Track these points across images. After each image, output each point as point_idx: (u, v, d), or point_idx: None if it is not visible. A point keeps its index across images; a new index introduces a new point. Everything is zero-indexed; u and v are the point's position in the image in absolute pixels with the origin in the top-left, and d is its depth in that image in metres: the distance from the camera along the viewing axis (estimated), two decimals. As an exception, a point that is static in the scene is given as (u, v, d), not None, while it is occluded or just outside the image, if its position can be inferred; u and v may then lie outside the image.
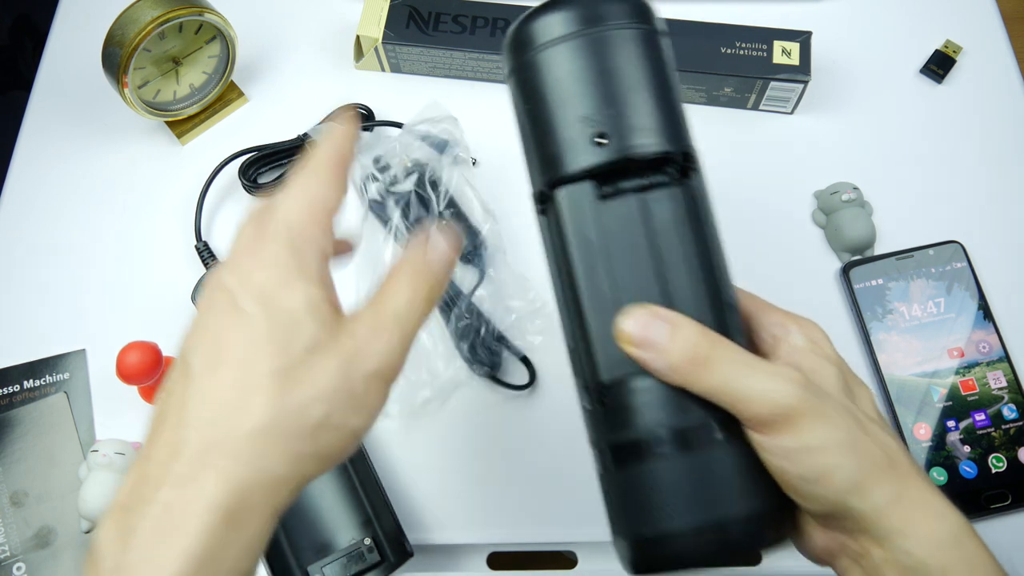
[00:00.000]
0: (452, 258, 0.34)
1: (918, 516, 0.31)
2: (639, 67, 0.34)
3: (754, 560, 0.32)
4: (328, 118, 0.64)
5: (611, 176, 0.34)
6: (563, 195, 0.34)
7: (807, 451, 0.31)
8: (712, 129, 0.65)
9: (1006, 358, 0.56)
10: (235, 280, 0.31)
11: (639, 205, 0.33)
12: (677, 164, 0.34)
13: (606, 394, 0.33)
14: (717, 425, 0.32)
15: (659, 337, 0.31)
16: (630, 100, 0.34)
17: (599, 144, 0.33)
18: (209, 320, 0.31)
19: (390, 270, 0.33)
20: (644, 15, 0.35)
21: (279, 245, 0.31)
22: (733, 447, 0.32)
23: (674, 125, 0.35)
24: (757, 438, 0.31)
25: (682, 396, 0.32)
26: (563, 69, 0.34)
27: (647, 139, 0.33)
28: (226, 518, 0.27)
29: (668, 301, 0.33)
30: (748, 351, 0.32)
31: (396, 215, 0.58)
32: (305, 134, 0.63)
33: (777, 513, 0.33)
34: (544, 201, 0.35)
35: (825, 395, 0.32)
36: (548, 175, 0.34)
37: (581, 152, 0.33)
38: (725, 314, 0.34)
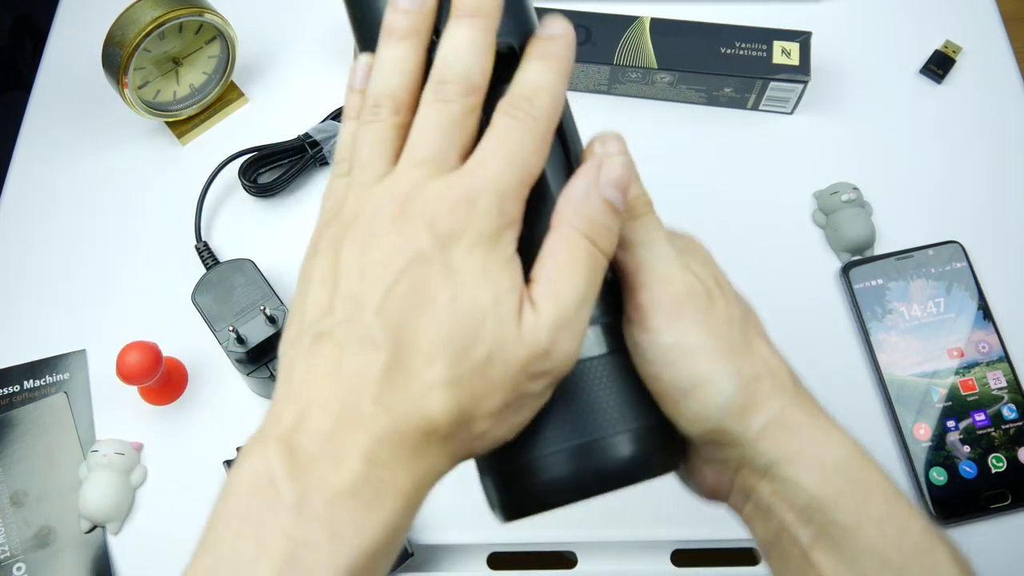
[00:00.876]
0: (607, 217, 0.28)
1: (803, 441, 0.29)
2: None
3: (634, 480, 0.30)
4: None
5: None
6: None
7: (686, 351, 0.29)
8: (712, 129, 0.65)
9: (1006, 358, 0.56)
10: (436, 246, 0.26)
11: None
12: (518, 57, 0.31)
13: None
14: (599, 332, 0.30)
15: (615, 148, 0.30)
16: None
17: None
18: (401, 284, 0.26)
19: (557, 232, 0.27)
20: None
21: (487, 221, 0.26)
22: (613, 360, 0.30)
23: (521, 21, 0.31)
24: (637, 334, 0.29)
25: None
26: None
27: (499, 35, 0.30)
28: (407, 505, 0.26)
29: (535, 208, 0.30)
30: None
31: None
32: (306, 134, 0.63)
33: (659, 435, 0.30)
34: None
35: (717, 301, 0.30)
36: None
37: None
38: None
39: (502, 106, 0.28)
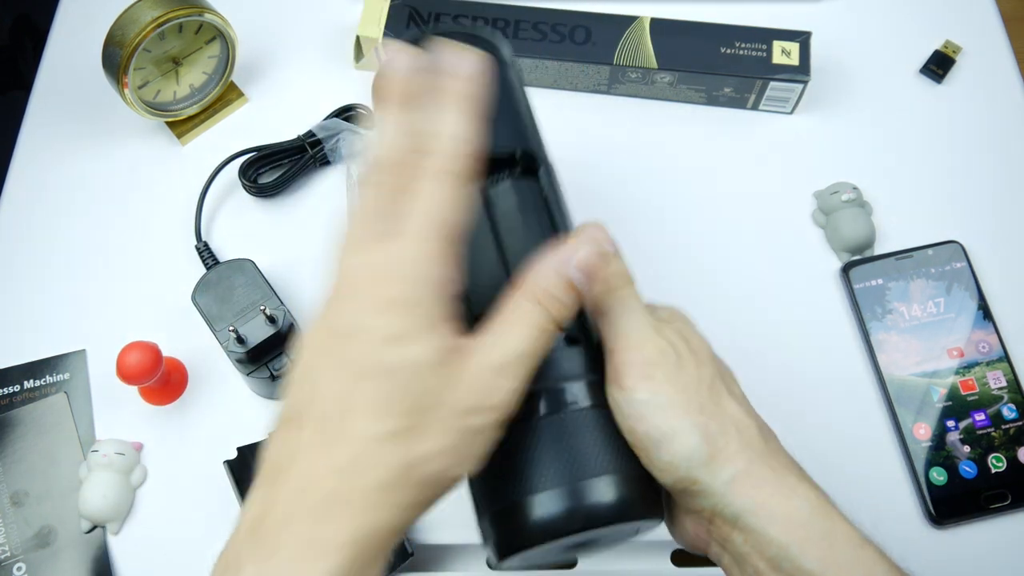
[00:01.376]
0: (567, 297, 0.31)
1: (768, 493, 0.32)
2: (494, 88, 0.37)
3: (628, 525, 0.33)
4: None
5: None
6: None
7: (656, 407, 0.32)
8: (712, 129, 0.65)
9: (1006, 358, 0.56)
10: (350, 326, 0.29)
11: (480, 197, 0.37)
12: (519, 163, 0.38)
13: None
14: (585, 391, 0.33)
15: (611, 248, 0.34)
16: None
17: None
18: (321, 374, 0.29)
19: (507, 303, 0.31)
20: (493, 53, 0.39)
21: (402, 285, 0.29)
22: (597, 415, 0.33)
23: (518, 131, 0.39)
24: (615, 393, 0.33)
25: (545, 364, 0.32)
26: None
27: (495, 141, 0.35)
28: (354, 558, 0.27)
29: (509, 278, 0.34)
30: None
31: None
32: (309, 132, 0.63)
33: (639, 484, 0.33)
34: None
35: (687, 363, 0.34)
36: None
37: None
38: None
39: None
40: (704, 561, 0.53)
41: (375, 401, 0.28)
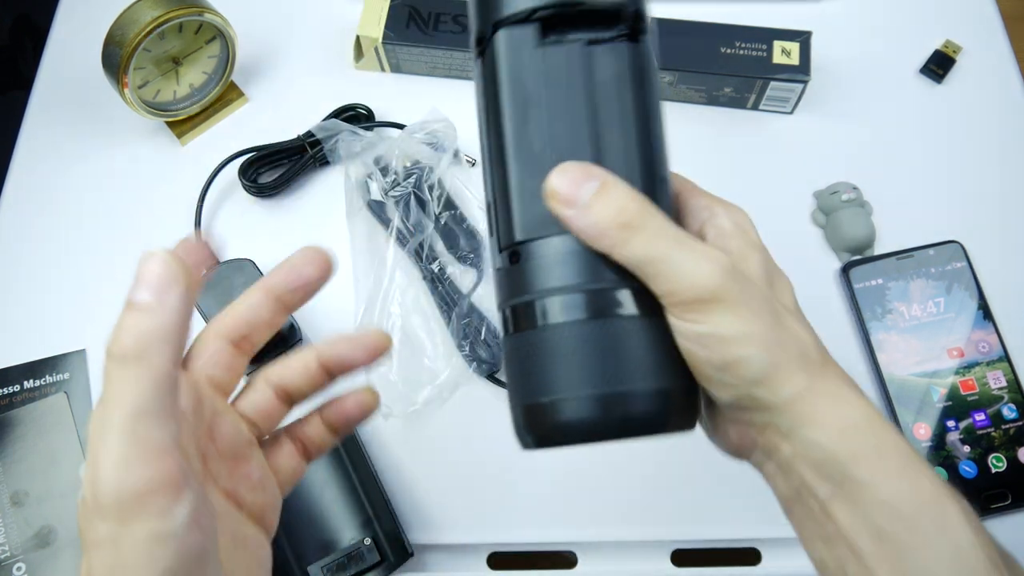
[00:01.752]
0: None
1: (825, 406, 0.31)
2: None
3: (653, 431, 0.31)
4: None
5: (557, 23, 0.32)
6: (503, 36, 0.32)
7: (720, 339, 0.30)
8: (712, 129, 0.65)
9: (1006, 358, 0.56)
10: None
11: (582, 55, 0.31)
12: (627, 22, 0.32)
13: (519, 253, 0.32)
14: (631, 295, 0.31)
15: (587, 194, 0.30)
16: None
17: None
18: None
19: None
20: None
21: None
22: (644, 321, 0.31)
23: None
24: (672, 319, 0.30)
25: (598, 261, 0.30)
26: None
27: None
28: None
29: (600, 161, 0.31)
30: (674, 224, 0.31)
31: (396, 217, 0.58)
32: (308, 132, 0.63)
33: (684, 397, 0.32)
34: (483, 44, 0.33)
35: (747, 283, 0.31)
36: (490, 15, 0.32)
37: None
38: (656, 186, 0.32)
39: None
40: (704, 561, 0.53)
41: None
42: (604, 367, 0.30)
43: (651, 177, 0.32)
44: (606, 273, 0.31)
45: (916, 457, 0.31)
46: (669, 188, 0.34)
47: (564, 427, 0.31)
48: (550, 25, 0.32)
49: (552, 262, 0.31)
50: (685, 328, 0.30)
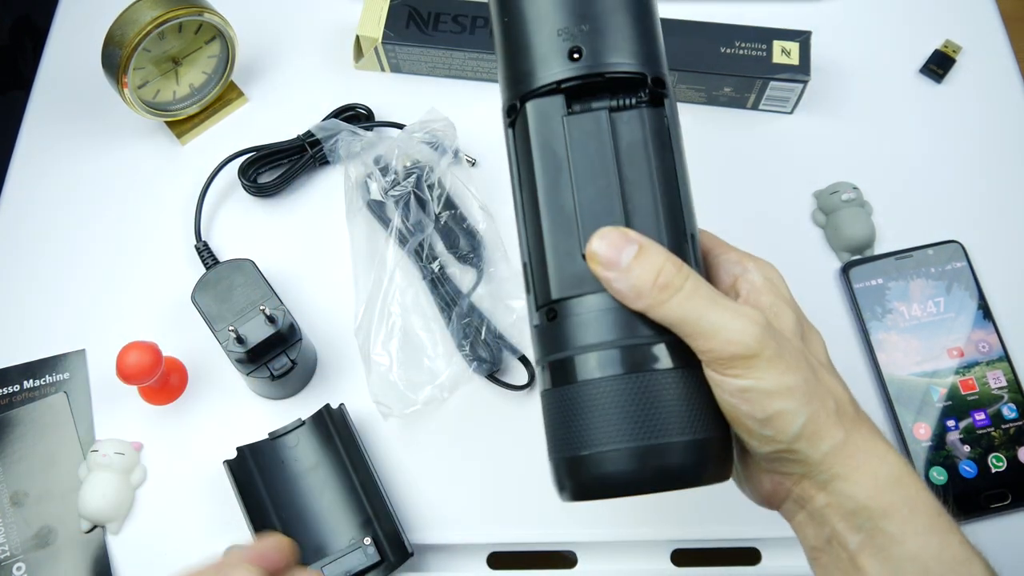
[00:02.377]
0: None
1: (860, 460, 0.32)
2: None
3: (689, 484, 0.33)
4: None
5: (582, 93, 0.34)
6: (532, 107, 0.34)
7: (763, 393, 0.31)
8: (712, 129, 0.65)
9: (1006, 357, 0.56)
10: None
11: (608, 122, 0.33)
12: (648, 88, 0.34)
13: (556, 311, 0.33)
14: (666, 349, 0.32)
15: (626, 258, 0.31)
16: (607, 17, 0.33)
17: (573, 59, 0.33)
18: None
19: None
20: None
21: None
22: (681, 374, 0.32)
23: (649, 48, 0.34)
24: (712, 374, 0.32)
25: (633, 317, 0.32)
26: None
27: (621, 58, 0.33)
28: None
29: (630, 222, 0.32)
30: (709, 284, 0.32)
31: (396, 217, 0.58)
32: (308, 132, 0.63)
33: (720, 448, 0.33)
34: (513, 114, 0.35)
35: (784, 339, 0.32)
36: (519, 88, 0.34)
37: (554, 65, 0.33)
38: (686, 244, 0.34)
39: None
40: (704, 561, 0.53)
41: None
42: (641, 420, 0.31)
43: (679, 235, 0.33)
44: (641, 329, 0.32)
45: (945, 515, 0.32)
46: (698, 245, 0.35)
47: (602, 480, 0.32)
48: (575, 95, 0.34)
49: (589, 319, 0.32)
50: (726, 383, 0.31)
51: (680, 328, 0.31)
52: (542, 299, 0.34)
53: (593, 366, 0.32)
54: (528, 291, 0.35)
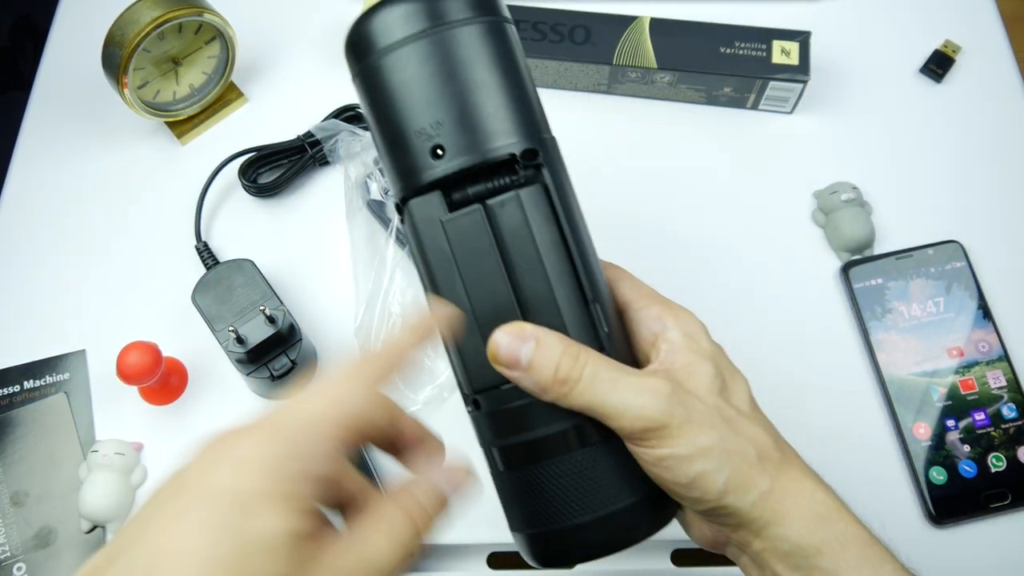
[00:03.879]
0: (438, 519, 0.31)
1: (789, 503, 0.33)
2: (479, 66, 0.33)
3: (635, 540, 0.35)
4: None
5: (457, 184, 0.34)
6: (414, 207, 0.34)
7: (680, 459, 0.32)
8: (712, 129, 0.65)
9: (1005, 357, 0.56)
10: (206, 480, 0.26)
11: (484, 219, 0.33)
12: (521, 164, 0.34)
13: (479, 402, 0.35)
14: (591, 428, 0.33)
15: (525, 356, 0.32)
16: (466, 105, 0.33)
17: (437, 155, 0.33)
18: (161, 524, 0.25)
19: (377, 507, 0.29)
20: (481, 5, 0.34)
21: (279, 443, 0.27)
22: (610, 445, 0.33)
23: (517, 122, 0.34)
24: (631, 447, 0.33)
25: (549, 406, 0.33)
26: (400, 77, 0.33)
27: (486, 144, 0.33)
28: None
29: (525, 309, 0.33)
30: (612, 360, 0.33)
31: (396, 216, 0.58)
32: (308, 132, 0.63)
33: (655, 503, 0.35)
34: (400, 212, 0.35)
35: (693, 401, 0.33)
36: (399, 186, 0.35)
37: (422, 166, 0.33)
38: (589, 311, 0.34)
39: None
40: (704, 561, 0.53)
41: (198, 569, 0.24)
42: (582, 496, 0.33)
43: (579, 306, 0.34)
44: (560, 414, 0.33)
45: (877, 544, 0.33)
46: (606, 303, 0.35)
47: (560, 555, 0.34)
48: (452, 186, 0.34)
49: (509, 411, 0.34)
50: (645, 454, 0.33)
51: (589, 412, 0.32)
52: (465, 389, 0.35)
53: (522, 454, 0.34)
54: (455, 377, 0.36)
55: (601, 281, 0.35)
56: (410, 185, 0.34)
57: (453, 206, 0.34)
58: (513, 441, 0.34)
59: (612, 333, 0.34)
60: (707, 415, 0.33)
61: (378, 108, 0.34)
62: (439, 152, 0.33)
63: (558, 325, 0.33)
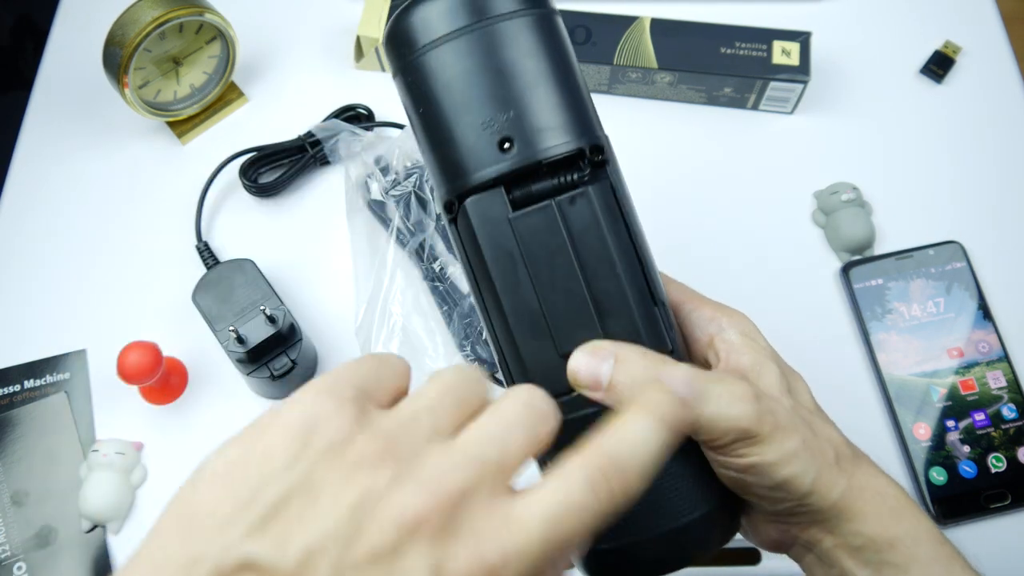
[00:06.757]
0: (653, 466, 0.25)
1: (865, 499, 0.33)
2: (536, 59, 0.32)
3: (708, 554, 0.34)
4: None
5: (520, 180, 0.32)
6: (473, 205, 0.32)
7: (768, 465, 0.31)
8: (712, 129, 0.65)
9: (1005, 358, 0.56)
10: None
11: (555, 212, 0.31)
12: (587, 160, 0.32)
13: None
14: None
15: (606, 377, 0.30)
16: (531, 98, 0.32)
17: (504, 149, 0.31)
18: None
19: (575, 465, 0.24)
20: None
21: None
22: (680, 454, 0.32)
23: (580, 117, 0.33)
24: (713, 455, 0.32)
25: None
26: (453, 71, 0.32)
27: (554, 139, 0.32)
28: None
29: (600, 313, 0.31)
30: (693, 367, 0.32)
31: (396, 216, 0.58)
32: (308, 132, 0.63)
33: (727, 511, 0.34)
34: (453, 211, 0.33)
35: (776, 404, 0.32)
36: (455, 184, 0.32)
37: (486, 160, 0.31)
38: (658, 314, 0.33)
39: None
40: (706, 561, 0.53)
41: None
42: (655, 507, 0.32)
43: (651, 308, 0.33)
44: None
45: (947, 544, 0.33)
46: (669, 308, 0.34)
47: (630, 571, 0.32)
48: (514, 183, 0.32)
49: (577, 419, 0.31)
50: (731, 463, 0.32)
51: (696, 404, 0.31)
52: None
53: None
54: (507, 381, 0.34)
55: (661, 285, 0.34)
56: (469, 181, 0.32)
57: (514, 205, 0.32)
58: None
59: (676, 336, 0.33)
60: (790, 418, 0.32)
61: (431, 102, 0.32)
62: (506, 146, 0.31)
63: (632, 328, 0.32)
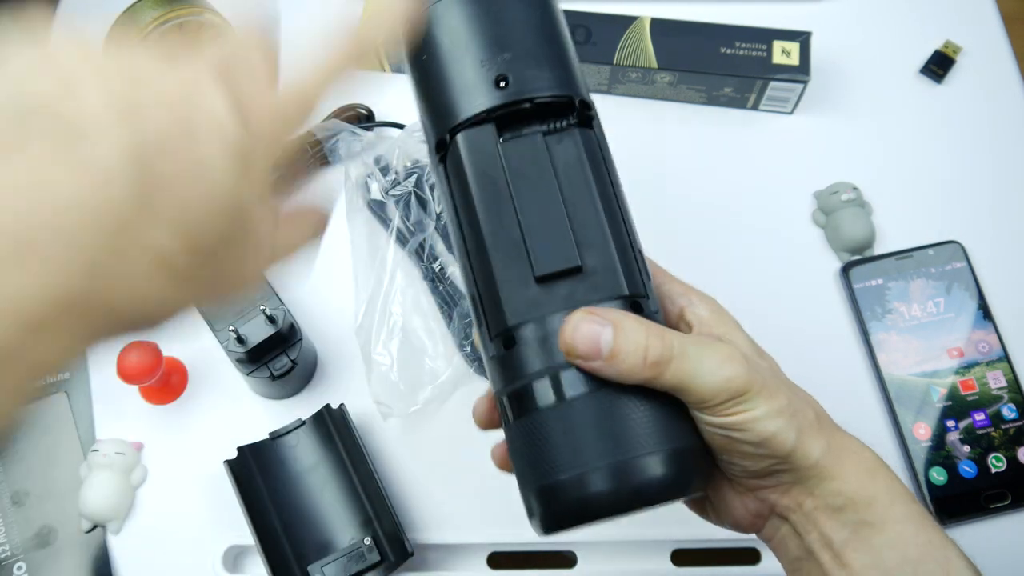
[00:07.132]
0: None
1: (844, 459, 0.33)
2: (534, 13, 0.34)
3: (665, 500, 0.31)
4: (332, 114, 0.64)
5: (511, 121, 0.33)
6: (463, 138, 0.33)
7: (756, 421, 0.32)
8: (712, 129, 0.65)
9: (1006, 358, 0.56)
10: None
11: (544, 144, 0.33)
12: (577, 110, 0.34)
13: (513, 337, 0.32)
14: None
15: (605, 346, 0.30)
16: (527, 45, 0.33)
17: (499, 87, 0.33)
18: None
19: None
20: None
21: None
22: (657, 400, 0.31)
23: (569, 73, 0.34)
24: (701, 416, 0.32)
25: None
26: (458, 18, 0.34)
27: (547, 83, 0.33)
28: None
29: (579, 241, 0.31)
30: (686, 334, 0.33)
31: (396, 216, 0.58)
32: (308, 132, 0.63)
33: (699, 458, 0.32)
34: (443, 149, 0.34)
35: (758, 364, 0.33)
36: (447, 121, 0.34)
37: (481, 95, 0.33)
38: (639, 262, 0.33)
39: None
40: (704, 561, 0.53)
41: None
42: (614, 437, 0.30)
43: (632, 253, 0.33)
44: None
45: (919, 504, 0.34)
46: (646, 261, 0.34)
47: (580, 503, 0.30)
48: (504, 123, 0.33)
49: (549, 340, 0.31)
50: (720, 421, 0.32)
51: (674, 390, 0.31)
52: (496, 328, 0.32)
53: (556, 388, 0.31)
54: (479, 324, 0.33)
55: (639, 239, 0.34)
56: (461, 116, 0.33)
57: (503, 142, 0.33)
58: (542, 375, 0.31)
59: (652, 287, 0.34)
60: (771, 377, 0.33)
61: (434, 45, 0.34)
62: (502, 83, 0.33)
63: (609, 265, 0.32)
